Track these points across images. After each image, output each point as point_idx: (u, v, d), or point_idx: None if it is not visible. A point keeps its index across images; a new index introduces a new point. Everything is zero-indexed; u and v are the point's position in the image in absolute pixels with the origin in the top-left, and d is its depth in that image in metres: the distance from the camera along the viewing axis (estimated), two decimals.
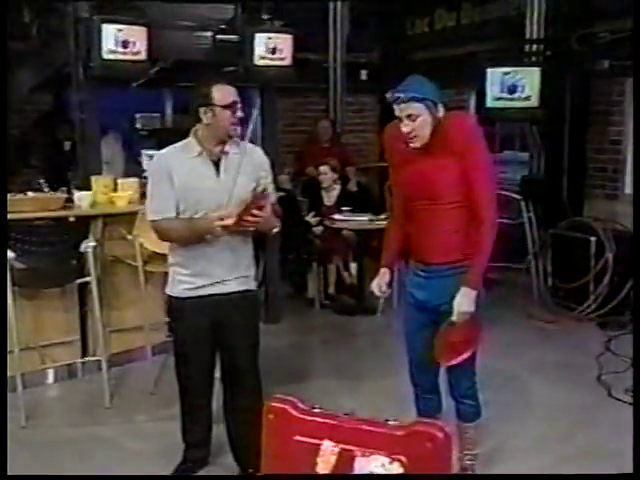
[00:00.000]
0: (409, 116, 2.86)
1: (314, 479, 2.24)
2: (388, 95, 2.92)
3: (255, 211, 2.99)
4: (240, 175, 3.11)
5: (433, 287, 3.02)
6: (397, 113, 2.90)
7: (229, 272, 3.16)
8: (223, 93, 3.03)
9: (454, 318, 2.87)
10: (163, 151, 3.21)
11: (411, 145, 2.91)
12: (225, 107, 3.03)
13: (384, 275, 3.18)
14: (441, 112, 2.92)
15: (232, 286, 3.19)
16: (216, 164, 3.10)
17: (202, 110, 3.04)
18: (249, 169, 3.15)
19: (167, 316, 3.30)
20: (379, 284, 3.17)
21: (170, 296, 3.25)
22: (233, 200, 3.06)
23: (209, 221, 3.03)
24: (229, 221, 2.99)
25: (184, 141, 3.16)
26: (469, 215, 2.91)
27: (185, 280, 3.16)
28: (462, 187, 2.89)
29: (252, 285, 3.30)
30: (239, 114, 3.09)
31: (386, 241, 3.26)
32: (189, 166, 3.08)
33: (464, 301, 2.86)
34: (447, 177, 2.90)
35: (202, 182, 3.07)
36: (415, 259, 3.12)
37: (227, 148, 3.11)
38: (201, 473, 3.46)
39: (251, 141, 4.20)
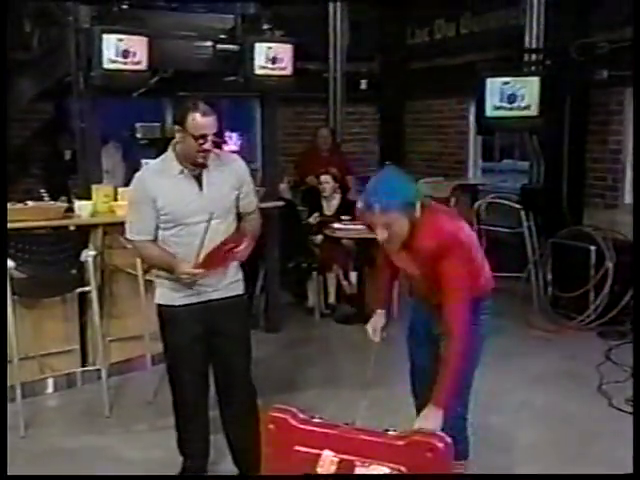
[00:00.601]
0: (383, 225, 2.63)
1: (314, 479, 2.24)
2: (359, 205, 2.67)
3: (229, 254, 3.08)
4: (223, 185, 3.15)
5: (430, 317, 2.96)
6: (369, 220, 2.65)
7: (218, 279, 3.18)
8: (196, 123, 2.99)
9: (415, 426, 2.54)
10: (143, 172, 3.21)
11: (388, 249, 2.81)
12: (194, 137, 3.00)
13: (380, 318, 3.09)
14: (418, 212, 2.68)
15: (222, 292, 3.20)
16: (198, 178, 3.11)
17: (176, 128, 3.07)
18: (231, 180, 3.18)
19: (159, 326, 3.29)
20: (375, 328, 3.06)
21: (160, 305, 3.24)
22: (218, 211, 3.10)
23: (179, 266, 3.05)
24: (196, 271, 3.03)
25: (162, 157, 3.18)
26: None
27: (175, 288, 3.16)
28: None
29: (241, 289, 3.31)
30: (207, 146, 3.02)
31: (380, 278, 3.21)
32: (171, 185, 3.09)
33: (429, 422, 2.54)
34: (427, 276, 2.79)
35: (186, 198, 3.09)
36: (418, 298, 3.09)
37: (207, 162, 3.11)
38: None
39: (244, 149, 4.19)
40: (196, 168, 3.10)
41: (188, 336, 3.18)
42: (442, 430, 2.72)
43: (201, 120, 2.99)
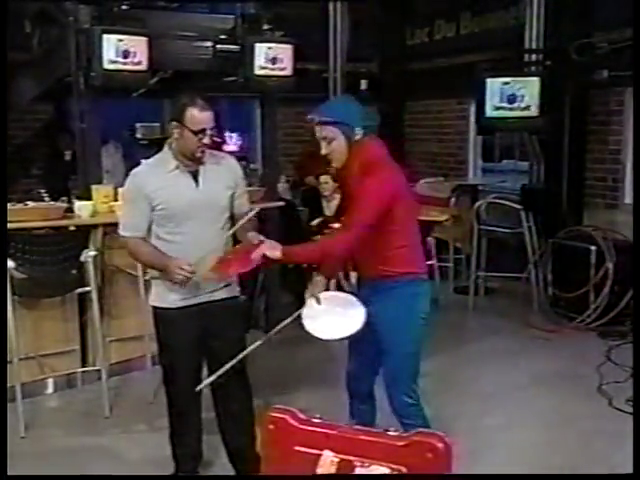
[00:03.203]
0: (324, 138, 2.92)
1: (314, 479, 2.23)
2: (308, 117, 2.97)
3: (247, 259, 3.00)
4: (218, 183, 3.16)
5: (368, 302, 3.02)
6: (317, 134, 2.94)
7: (215, 282, 3.16)
8: (194, 118, 3.00)
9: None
10: (138, 169, 3.21)
11: (332, 165, 2.97)
12: (192, 132, 3.01)
13: (319, 284, 3.12)
14: (358, 136, 2.93)
15: (218, 294, 3.20)
16: (194, 175, 3.12)
17: (173, 124, 3.05)
18: (226, 178, 3.20)
19: (154, 327, 3.28)
20: (312, 293, 3.08)
21: (155, 307, 3.24)
22: (214, 207, 3.12)
23: (171, 263, 3.03)
24: (188, 268, 3.00)
25: (158, 155, 3.18)
26: (384, 239, 2.93)
27: (171, 289, 3.14)
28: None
29: (236, 291, 3.32)
30: (206, 140, 3.04)
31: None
32: (167, 181, 3.09)
33: (271, 245, 2.84)
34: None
35: (182, 194, 3.09)
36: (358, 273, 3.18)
37: (204, 159, 3.12)
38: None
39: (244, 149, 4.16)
40: (192, 164, 3.10)
41: (183, 338, 3.18)
42: (399, 418, 3.01)
43: (199, 115, 3.00)
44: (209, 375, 3.28)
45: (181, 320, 3.16)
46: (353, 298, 3.06)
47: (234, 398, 3.31)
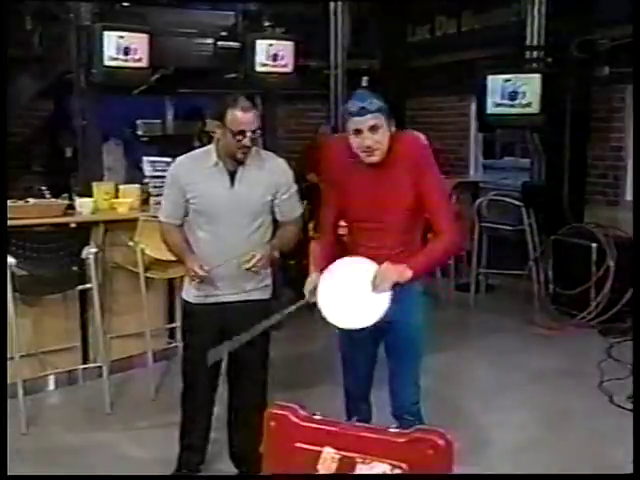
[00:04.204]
0: (372, 127, 2.70)
1: (314, 479, 2.24)
2: (349, 106, 2.74)
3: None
4: (255, 186, 3.11)
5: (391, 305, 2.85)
6: (355, 126, 2.71)
7: (243, 283, 3.17)
8: (234, 119, 2.98)
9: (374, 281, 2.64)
10: (181, 158, 3.24)
11: (369, 160, 2.74)
12: (232, 132, 2.99)
13: (316, 279, 2.86)
14: (393, 128, 2.80)
15: (242, 296, 3.20)
16: (232, 174, 3.10)
17: (216, 124, 3.04)
18: (266, 181, 3.14)
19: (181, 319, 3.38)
20: (310, 290, 2.88)
21: (183, 300, 3.32)
22: (245, 211, 3.09)
23: (188, 262, 3.08)
24: (199, 271, 3.03)
25: (204, 148, 3.21)
26: (413, 236, 2.86)
27: (198, 286, 3.17)
28: (413, 209, 2.80)
29: (267, 294, 3.31)
30: (246, 142, 3.00)
31: (319, 243, 3.05)
32: (204, 175, 3.11)
33: (391, 272, 2.63)
34: (401, 199, 2.78)
35: (215, 191, 3.09)
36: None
37: (246, 160, 3.09)
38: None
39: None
40: (234, 163, 3.09)
41: (203, 333, 3.20)
42: (402, 417, 2.89)
43: (240, 116, 2.98)
44: (227, 374, 3.33)
45: (201, 316, 3.21)
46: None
47: (248, 398, 3.30)
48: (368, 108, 2.70)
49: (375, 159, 2.75)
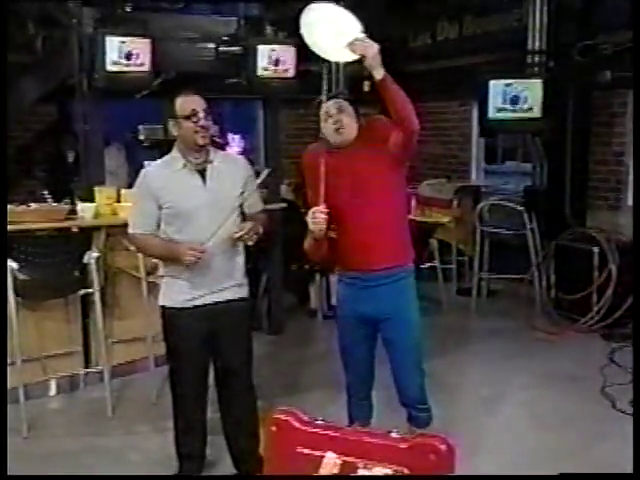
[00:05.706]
0: (339, 108, 3.01)
1: (313, 479, 2.23)
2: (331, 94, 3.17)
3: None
4: (226, 181, 3.18)
5: (373, 298, 3.02)
6: (325, 110, 3.03)
7: (225, 280, 3.19)
8: (182, 104, 3.09)
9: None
10: (148, 169, 3.27)
11: (339, 138, 3.00)
12: (185, 117, 3.07)
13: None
14: (362, 122, 3.09)
15: (226, 294, 3.21)
16: (202, 173, 3.15)
17: (171, 123, 3.12)
18: (235, 176, 3.22)
19: (162, 327, 3.29)
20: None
21: (164, 307, 3.26)
22: (222, 205, 3.12)
23: (181, 247, 3.06)
24: (199, 247, 3.03)
25: (168, 156, 3.24)
26: (403, 216, 3.10)
27: (182, 290, 3.17)
28: (395, 182, 3.03)
29: (245, 293, 3.32)
30: (202, 122, 3.08)
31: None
32: (175, 179, 3.14)
33: (374, 48, 2.98)
34: (380, 169, 2.98)
35: (189, 191, 3.13)
36: (351, 268, 3.09)
37: (212, 157, 3.17)
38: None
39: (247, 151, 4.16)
40: (200, 158, 3.13)
41: (190, 338, 3.19)
42: (411, 404, 3.11)
43: (186, 98, 3.10)
44: (215, 375, 3.31)
45: (188, 320, 3.18)
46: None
47: (238, 400, 3.32)
48: (335, 99, 3.08)
49: (344, 136, 3.00)
